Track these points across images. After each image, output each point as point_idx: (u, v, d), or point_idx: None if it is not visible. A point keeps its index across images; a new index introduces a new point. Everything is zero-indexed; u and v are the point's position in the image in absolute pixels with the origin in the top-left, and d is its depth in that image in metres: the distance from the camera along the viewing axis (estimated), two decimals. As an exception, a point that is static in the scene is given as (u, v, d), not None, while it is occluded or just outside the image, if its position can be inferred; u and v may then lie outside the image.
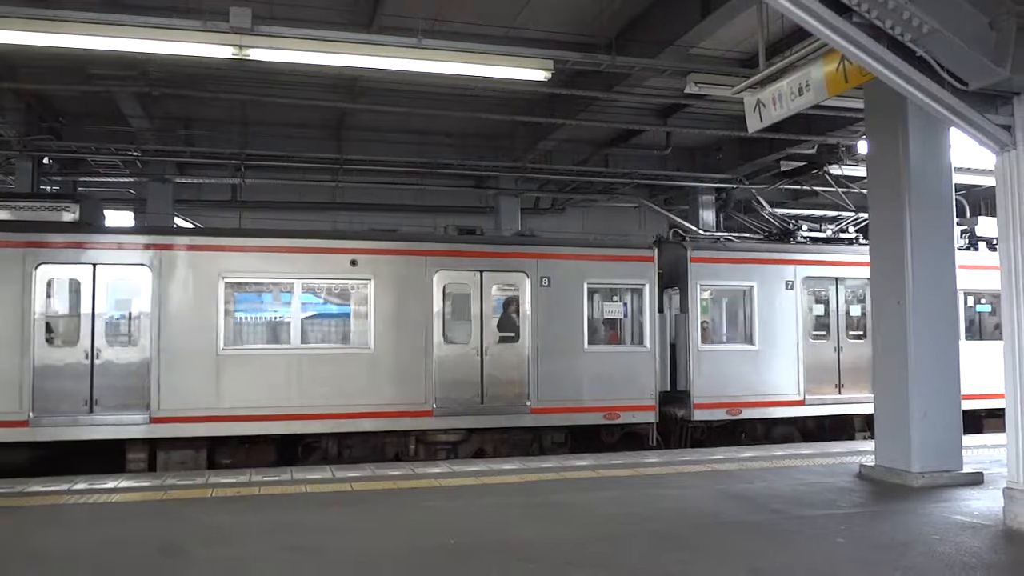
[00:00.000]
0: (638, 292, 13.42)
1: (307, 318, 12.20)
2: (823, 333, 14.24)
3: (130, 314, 11.45)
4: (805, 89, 8.20)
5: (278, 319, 12.14)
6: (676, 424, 13.56)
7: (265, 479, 8.95)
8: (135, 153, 15.53)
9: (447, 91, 13.80)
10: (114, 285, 11.35)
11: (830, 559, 5.94)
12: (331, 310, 12.66)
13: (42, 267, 11.04)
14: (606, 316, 13.57)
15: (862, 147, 14.53)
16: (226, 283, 11.67)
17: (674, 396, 13.56)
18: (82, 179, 17.24)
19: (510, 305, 12.89)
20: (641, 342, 13.33)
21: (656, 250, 13.61)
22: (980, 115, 6.49)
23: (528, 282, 12.81)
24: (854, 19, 6.15)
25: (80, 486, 8.50)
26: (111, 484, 8.62)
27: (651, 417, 13.07)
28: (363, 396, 11.91)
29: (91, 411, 10.93)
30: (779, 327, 13.86)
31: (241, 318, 12.07)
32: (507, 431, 12.72)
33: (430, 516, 7.33)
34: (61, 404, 10.86)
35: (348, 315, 12.34)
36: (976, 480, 8.51)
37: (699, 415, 13.33)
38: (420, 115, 14.77)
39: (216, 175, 17.06)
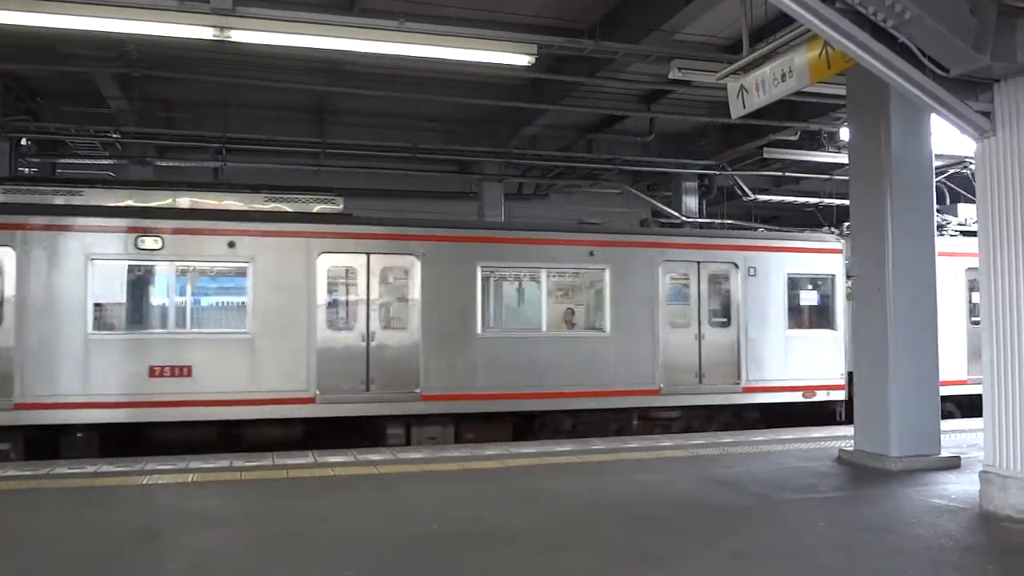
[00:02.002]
0: (828, 281, 14.43)
1: (551, 303, 13.29)
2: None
3: (400, 300, 12.39)
4: (788, 75, 8.20)
5: (527, 305, 13.42)
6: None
7: (247, 464, 8.92)
8: (115, 135, 15.33)
9: (430, 75, 13.70)
10: (386, 273, 12.30)
11: (810, 542, 6.00)
12: (570, 296, 14.09)
13: (323, 256, 11.78)
14: (802, 303, 14.46)
15: (844, 134, 14.61)
16: (483, 271, 12.58)
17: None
18: (61, 161, 17.04)
19: (722, 293, 13.95)
20: (832, 327, 14.30)
21: (844, 243, 14.42)
22: (960, 102, 6.52)
23: (738, 272, 13.81)
24: (837, 5, 6.15)
25: (60, 470, 8.45)
26: (91, 468, 8.57)
27: (842, 395, 13.90)
28: (599, 376, 12.86)
29: (367, 389, 11.72)
30: (946, 313, 14.41)
31: (496, 304, 13.42)
32: (715, 409, 13.63)
33: (412, 502, 7.34)
34: (342, 383, 11.67)
35: (586, 301, 13.69)
36: (953, 464, 8.61)
37: None
38: (403, 99, 14.68)
39: (197, 158, 16.89)
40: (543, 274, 12.92)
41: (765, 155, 17.58)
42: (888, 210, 8.71)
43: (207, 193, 12.20)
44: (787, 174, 19.28)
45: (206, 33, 9.42)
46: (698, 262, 13.66)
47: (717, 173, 18.51)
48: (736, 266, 13.81)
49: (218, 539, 6.04)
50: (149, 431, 11.02)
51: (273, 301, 11.48)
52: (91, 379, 10.73)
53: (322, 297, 11.74)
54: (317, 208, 12.22)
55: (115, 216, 11.18)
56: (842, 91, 10.16)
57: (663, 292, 13.40)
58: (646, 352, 13.12)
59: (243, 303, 11.52)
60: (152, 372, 10.96)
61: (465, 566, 5.40)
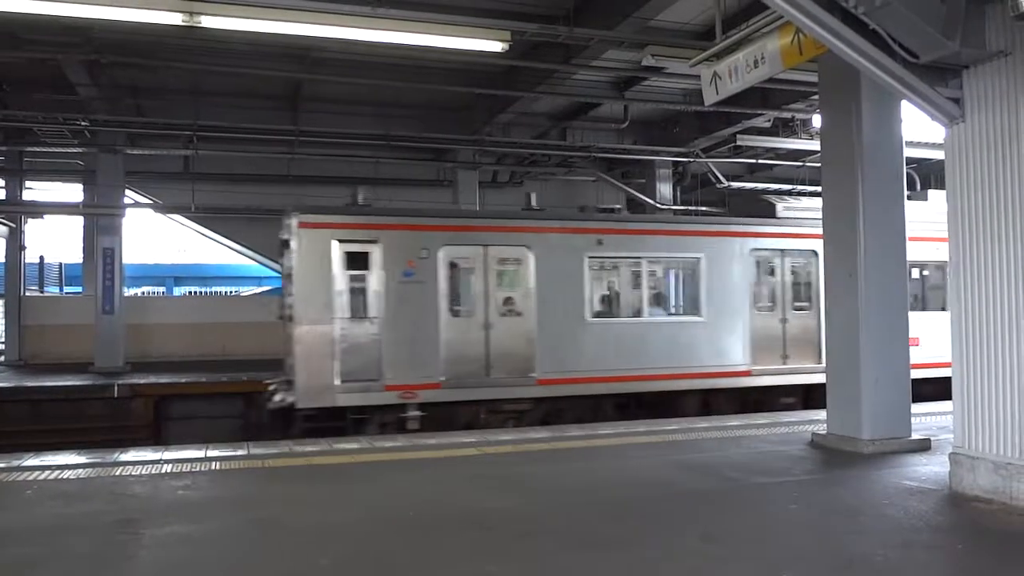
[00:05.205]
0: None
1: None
2: None
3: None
4: (760, 62, 8.23)
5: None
6: None
7: (222, 454, 8.85)
8: (83, 123, 15.11)
9: (404, 62, 13.64)
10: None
11: (783, 524, 6.06)
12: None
13: None
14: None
15: (816, 121, 14.71)
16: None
17: None
18: (28, 149, 16.78)
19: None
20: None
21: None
22: (931, 88, 6.57)
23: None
24: (809, -9, 6.17)
25: (30, 463, 8.34)
26: (62, 460, 8.46)
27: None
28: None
29: None
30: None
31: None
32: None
33: (389, 489, 7.33)
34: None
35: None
36: (924, 447, 8.72)
37: None
38: (376, 87, 14.60)
39: (168, 147, 16.69)
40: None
41: (738, 142, 17.68)
42: (860, 196, 8.77)
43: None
44: (760, 161, 19.42)
45: (175, 19, 9.28)
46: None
47: (691, 160, 18.58)
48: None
49: (195, 528, 6.00)
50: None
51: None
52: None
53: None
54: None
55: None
56: (815, 78, 10.21)
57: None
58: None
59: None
60: None
61: (441, 553, 5.39)
